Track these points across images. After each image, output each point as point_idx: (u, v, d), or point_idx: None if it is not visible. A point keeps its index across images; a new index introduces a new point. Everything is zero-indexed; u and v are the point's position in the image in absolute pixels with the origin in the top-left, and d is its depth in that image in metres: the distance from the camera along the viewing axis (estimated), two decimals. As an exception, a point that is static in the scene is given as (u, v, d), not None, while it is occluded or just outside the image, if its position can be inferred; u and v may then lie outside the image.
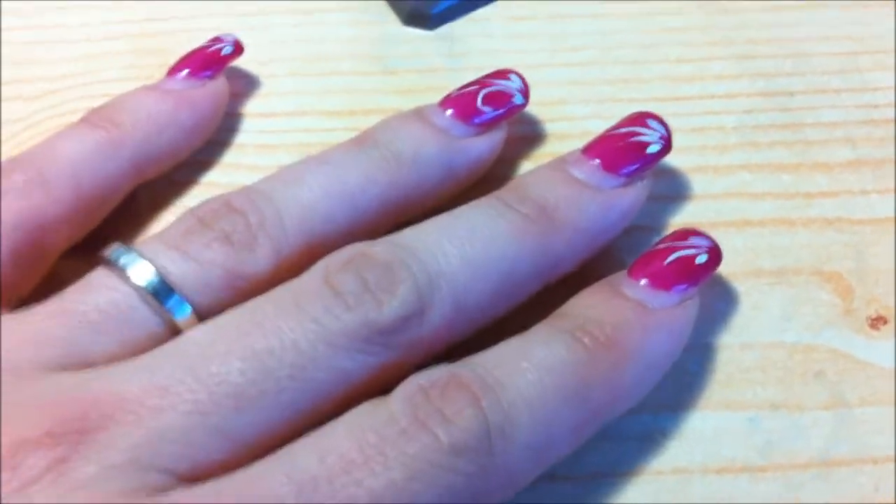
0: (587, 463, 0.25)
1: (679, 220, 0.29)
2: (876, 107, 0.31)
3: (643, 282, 0.24)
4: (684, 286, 0.24)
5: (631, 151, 0.26)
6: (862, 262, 0.28)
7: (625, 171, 0.26)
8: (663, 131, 0.27)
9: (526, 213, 0.25)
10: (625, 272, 0.25)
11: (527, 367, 0.22)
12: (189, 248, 0.23)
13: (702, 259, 0.25)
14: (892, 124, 0.31)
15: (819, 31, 0.32)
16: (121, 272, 0.22)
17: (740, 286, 0.28)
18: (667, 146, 0.27)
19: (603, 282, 0.25)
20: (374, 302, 0.22)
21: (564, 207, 0.25)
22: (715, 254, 0.25)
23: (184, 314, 0.22)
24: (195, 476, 0.20)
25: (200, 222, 0.24)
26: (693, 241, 0.25)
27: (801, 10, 0.33)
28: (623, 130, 0.27)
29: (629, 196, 0.26)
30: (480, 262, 0.23)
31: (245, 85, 0.31)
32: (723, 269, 0.28)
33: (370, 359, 0.22)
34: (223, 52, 0.29)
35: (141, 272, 0.22)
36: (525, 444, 0.21)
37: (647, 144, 0.26)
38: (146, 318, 0.22)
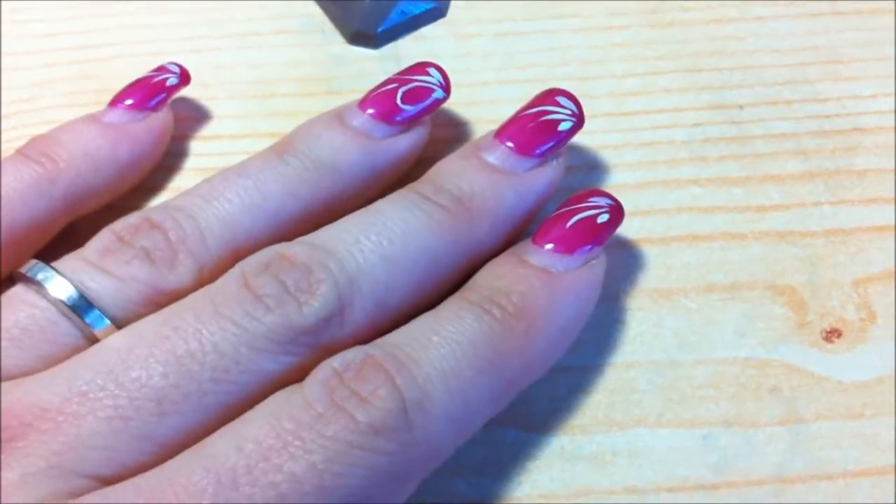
0: (536, 484, 0.24)
1: (629, 235, 0.28)
2: (827, 117, 0.31)
3: (547, 247, 0.24)
4: (588, 247, 0.24)
5: (543, 131, 0.26)
6: (815, 275, 0.28)
7: (538, 151, 0.26)
8: (574, 107, 0.27)
9: (443, 205, 0.24)
10: (529, 240, 0.25)
11: (438, 341, 0.22)
12: (108, 265, 0.23)
13: (603, 218, 0.25)
14: (845, 135, 0.30)
15: (767, 44, 0.32)
16: (39, 287, 0.22)
17: (692, 302, 0.27)
18: (578, 122, 0.27)
19: (508, 251, 0.25)
20: (294, 304, 0.22)
21: (480, 196, 0.25)
22: (616, 211, 0.25)
23: (103, 327, 0.22)
24: (120, 479, 0.20)
25: (120, 239, 0.24)
26: (593, 201, 0.25)
27: (748, 23, 0.33)
28: (533, 111, 0.26)
29: (545, 176, 0.26)
30: (399, 258, 0.23)
31: (188, 108, 0.31)
32: (674, 284, 0.27)
33: (293, 360, 0.22)
34: (168, 83, 0.29)
35: (59, 287, 0.22)
36: (443, 416, 0.21)
37: (558, 122, 0.26)
38: (66, 333, 0.22)
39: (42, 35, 0.33)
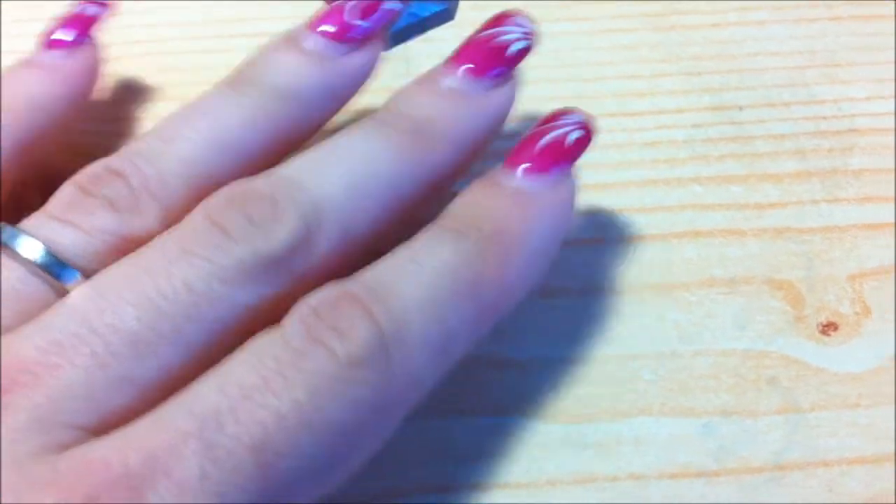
0: (543, 470, 0.25)
1: (632, 231, 0.29)
2: (824, 118, 0.32)
3: (520, 170, 0.24)
4: (561, 166, 0.24)
5: (496, 53, 0.26)
6: (812, 271, 0.29)
7: (492, 73, 0.26)
8: (528, 26, 0.27)
9: (402, 130, 0.25)
10: (502, 165, 0.25)
11: (415, 269, 0.22)
12: (73, 218, 0.23)
13: (574, 136, 0.25)
14: (841, 135, 0.31)
15: (766, 47, 0.33)
16: (7, 250, 0.22)
17: (693, 296, 0.28)
18: (532, 42, 0.26)
19: (482, 178, 0.25)
20: (261, 234, 0.22)
21: (439, 119, 0.25)
22: (587, 127, 0.25)
23: (74, 280, 0.22)
24: (106, 428, 0.20)
25: (82, 191, 0.23)
26: (563, 119, 0.25)
27: (748, 27, 0.34)
28: (487, 33, 0.26)
29: (499, 98, 0.26)
30: (362, 184, 0.23)
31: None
32: (676, 278, 0.28)
33: (264, 290, 0.22)
34: (89, 13, 0.29)
35: (28, 247, 0.22)
36: (423, 345, 0.21)
37: (511, 43, 0.26)
38: (39, 291, 0.22)
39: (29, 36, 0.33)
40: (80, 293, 0.21)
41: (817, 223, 0.30)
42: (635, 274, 0.28)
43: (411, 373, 0.21)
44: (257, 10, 0.34)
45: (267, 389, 0.19)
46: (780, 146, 0.31)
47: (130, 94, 0.32)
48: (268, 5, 0.34)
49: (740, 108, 0.32)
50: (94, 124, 0.31)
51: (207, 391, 0.20)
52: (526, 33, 0.26)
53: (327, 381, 0.20)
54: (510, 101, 0.27)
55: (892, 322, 0.28)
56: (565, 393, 0.27)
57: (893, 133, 0.31)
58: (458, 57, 0.26)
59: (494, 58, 0.26)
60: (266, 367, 0.20)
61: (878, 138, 0.31)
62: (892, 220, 0.30)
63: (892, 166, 0.31)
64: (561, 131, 0.25)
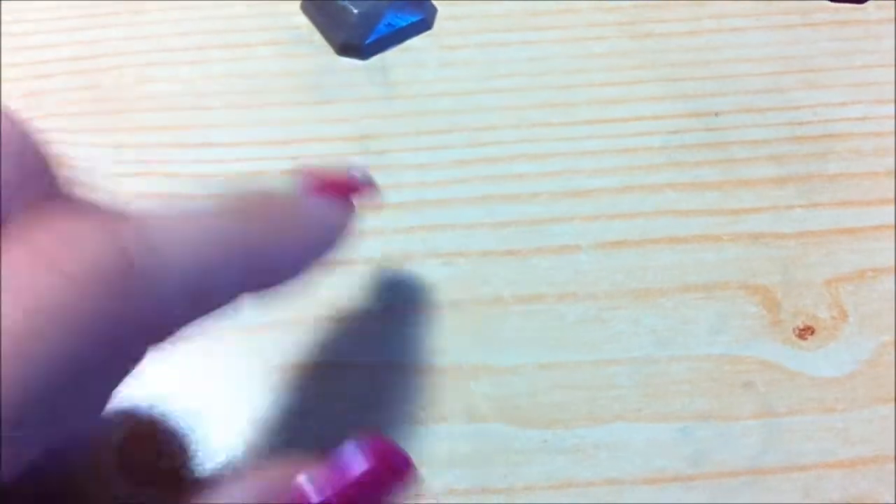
0: (520, 475, 0.25)
1: (608, 237, 0.29)
2: (800, 124, 0.32)
3: None
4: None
5: None
6: (788, 275, 0.29)
7: None
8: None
9: None
10: None
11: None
12: None
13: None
14: (817, 141, 0.32)
15: (742, 53, 0.33)
16: None
17: (669, 301, 0.28)
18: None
19: None
20: None
21: None
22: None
23: None
24: None
25: None
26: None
27: (723, 34, 0.34)
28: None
29: None
30: None
31: (183, 117, 0.32)
32: (652, 284, 0.28)
33: None
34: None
35: None
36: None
37: None
38: None
39: (39, 46, 0.34)
40: None
41: (793, 228, 0.30)
42: (612, 280, 0.29)
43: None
44: (234, 23, 0.34)
45: None
46: (756, 152, 0.31)
47: (105, 105, 0.32)
48: (244, 16, 0.34)
49: (717, 115, 0.32)
50: (72, 135, 0.31)
51: None
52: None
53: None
54: None
55: (868, 326, 0.28)
56: (542, 399, 0.27)
57: (870, 138, 0.32)
58: None
59: None
60: None
61: (855, 143, 0.31)
62: (869, 225, 0.30)
63: (869, 171, 0.31)
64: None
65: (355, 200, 0.24)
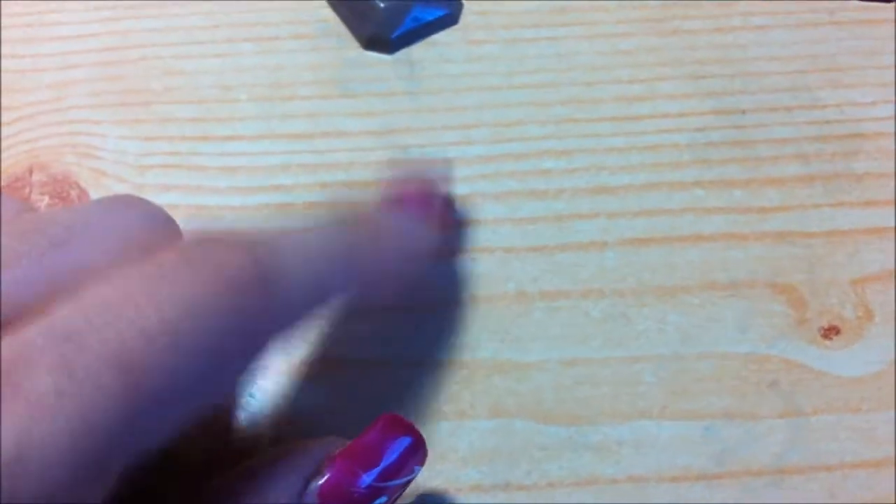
0: (544, 472, 0.25)
1: (634, 234, 0.29)
2: (827, 122, 0.32)
3: None
4: None
5: None
6: (814, 274, 0.29)
7: None
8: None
9: None
10: None
11: None
12: None
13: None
14: (844, 140, 0.31)
15: (768, 52, 0.33)
16: None
17: (695, 299, 0.28)
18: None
19: None
20: None
21: None
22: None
23: None
24: None
25: None
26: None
27: (749, 32, 0.34)
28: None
29: None
30: None
31: (209, 110, 0.32)
32: (678, 282, 0.28)
33: None
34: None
35: None
36: None
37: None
38: None
39: (67, 37, 0.34)
40: None
41: (820, 227, 0.30)
42: (638, 277, 0.29)
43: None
44: (261, 16, 0.34)
45: (130, 305, 0.18)
46: (783, 150, 0.31)
47: (132, 96, 0.32)
48: (271, 9, 0.34)
49: (743, 113, 0.32)
50: (100, 126, 0.32)
51: (65, 311, 0.18)
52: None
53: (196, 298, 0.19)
54: None
55: (894, 326, 0.28)
56: (566, 395, 0.27)
57: (896, 137, 0.31)
58: None
59: None
60: (130, 284, 0.18)
61: (882, 142, 0.31)
62: (895, 225, 0.30)
63: (895, 170, 0.31)
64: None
65: (435, 219, 0.26)
